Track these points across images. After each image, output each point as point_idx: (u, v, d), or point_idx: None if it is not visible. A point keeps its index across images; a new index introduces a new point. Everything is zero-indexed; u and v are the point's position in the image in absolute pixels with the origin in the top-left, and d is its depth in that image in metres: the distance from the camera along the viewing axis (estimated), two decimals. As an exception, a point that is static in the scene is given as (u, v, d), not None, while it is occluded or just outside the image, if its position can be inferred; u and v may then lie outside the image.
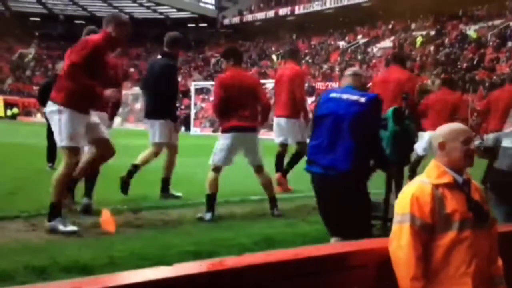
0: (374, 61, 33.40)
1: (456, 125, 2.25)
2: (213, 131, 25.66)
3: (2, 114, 38.96)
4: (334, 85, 31.51)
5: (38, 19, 54.79)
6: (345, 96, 3.14)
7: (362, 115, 3.04)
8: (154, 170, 5.88)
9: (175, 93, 5.85)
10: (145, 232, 4.13)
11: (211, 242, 3.80)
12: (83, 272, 2.96)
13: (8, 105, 40.43)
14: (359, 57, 34.91)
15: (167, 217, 4.72)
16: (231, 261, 1.84)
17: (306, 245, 3.02)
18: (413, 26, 35.45)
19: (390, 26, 36.89)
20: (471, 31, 30.41)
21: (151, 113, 5.71)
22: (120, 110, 5.87)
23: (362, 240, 2.29)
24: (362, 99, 3.07)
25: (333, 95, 3.24)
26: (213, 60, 45.46)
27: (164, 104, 5.65)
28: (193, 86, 33.58)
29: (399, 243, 2.03)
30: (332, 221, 3.20)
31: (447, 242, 2.04)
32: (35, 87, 38.72)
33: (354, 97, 3.10)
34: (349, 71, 3.48)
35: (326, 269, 1.99)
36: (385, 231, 3.19)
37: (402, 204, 2.10)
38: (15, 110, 40.29)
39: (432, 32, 32.89)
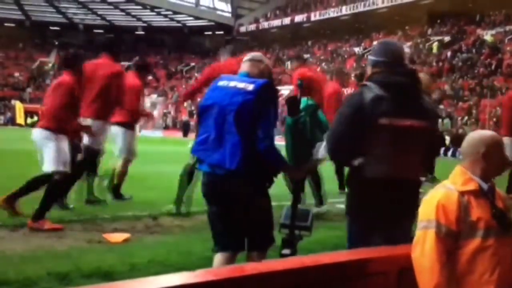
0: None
1: (493, 133, 2.22)
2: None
3: (23, 122, 39.59)
4: (350, 91, 31.42)
5: (58, 28, 55.73)
6: (232, 83, 2.73)
7: (249, 105, 2.62)
8: (172, 175, 5.93)
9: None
10: (165, 238, 4.17)
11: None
12: (104, 278, 2.99)
13: (28, 113, 41.07)
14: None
15: (186, 223, 4.76)
16: (251, 267, 1.85)
17: (326, 252, 3.01)
18: (429, 31, 35.18)
19: (406, 32, 36.66)
20: (488, 36, 30.06)
21: None
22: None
23: (383, 247, 2.28)
24: (250, 87, 2.65)
25: (220, 83, 2.80)
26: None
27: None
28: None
29: (423, 250, 2.01)
30: (220, 230, 2.80)
31: (471, 250, 2.02)
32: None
33: (242, 85, 2.69)
34: (247, 56, 2.97)
35: (347, 275, 1.99)
36: (292, 241, 2.81)
37: (427, 210, 2.08)
38: (35, 118, 40.92)
39: (449, 38, 32.61)
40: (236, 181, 2.64)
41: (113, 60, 5.51)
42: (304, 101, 3.31)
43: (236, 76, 2.84)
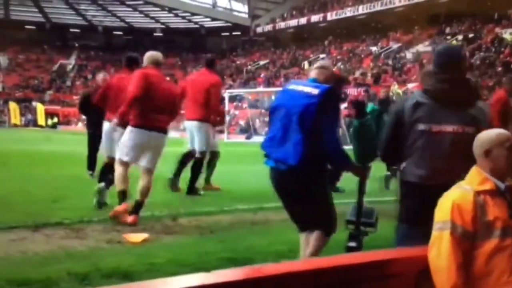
0: (408, 65, 32.91)
1: (500, 131, 2.21)
2: (246, 138, 25.75)
3: (43, 123, 40.22)
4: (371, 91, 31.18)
5: (77, 30, 56.51)
6: (300, 87, 3.03)
7: (312, 107, 2.87)
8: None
9: None
10: (183, 239, 4.20)
11: (247, 248, 3.82)
12: (124, 279, 3.03)
13: (49, 114, 41.72)
14: (391, 62, 34.48)
15: (203, 224, 4.79)
16: (270, 268, 1.86)
17: (343, 253, 3.00)
18: (447, 30, 34.75)
19: (424, 31, 36.28)
20: (507, 35, 29.57)
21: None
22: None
23: (400, 248, 2.27)
24: (315, 91, 2.92)
25: (290, 86, 3.16)
26: (247, 68, 45.75)
27: None
28: (227, 94, 33.88)
29: (439, 251, 2.01)
30: (295, 216, 3.16)
31: (488, 250, 2.01)
32: (75, 97, 39.84)
33: (308, 89, 2.97)
34: (316, 64, 3.33)
35: (364, 277, 1.98)
36: (358, 236, 3.03)
37: (442, 211, 2.07)
38: (56, 119, 41.55)
39: (467, 36, 32.17)
40: (296, 175, 2.92)
41: (214, 73, 6.75)
42: (370, 105, 3.60)
43: (305, 81, 3.16)
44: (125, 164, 4.78)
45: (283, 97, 3.08)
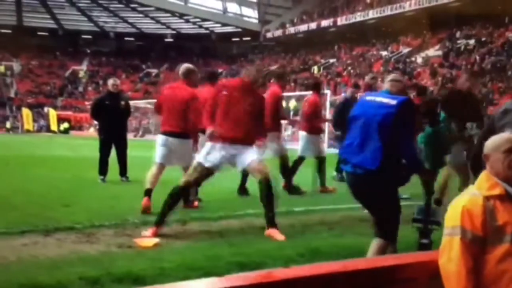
0: (418, 70, 32.77)
1: (499, 136, 2.22)
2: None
3: (56, 128, 40.59)
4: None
5: (89, 36, 57.09)
6: (378, 98, 3.30)
7: (391, 116, 3.13)
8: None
9: None
10: (193, 243, 4.20)
11: (257, 253, 3.82)
12: (135, 283, 3.03)
13: (61, 120, 42.10)
14: (401, 66, 34.34)
15: (213, 228, 4.79)
16: (280, 273, 1.86)
17: (352, 258, 2.99)
18: (458, 34, 34.56)
19: (435, 35, 36.10)
20: (518, 38, 29.38)
21: None
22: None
23: (412, 253, 2.26)
24: (393, 102, 3.18)
25: (368, 97, 3.45)
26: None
27: None
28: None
29: (449, 256, 2.00)
30: (372, 214, 3.36)
31: (499, 255, 2.00)
32: (87, 103, 40.21)
33: (386, 100, 3.22)
34: (388, 77, 3.59)
35: (375, 282, 1.97)
36: (428, 232, 3.28)
37: (452, 216, 2.06)
38: (68, 124, 41.92)
39: (478, 40, 31.96)
40: (374, 179, 3.15)
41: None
42: (442, 114, 4.11)
43: (381, 93, 3.44)
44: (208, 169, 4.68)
45: (362, 107, 3.35)
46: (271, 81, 7.50)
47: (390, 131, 3.13)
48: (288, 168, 7.29)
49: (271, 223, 4.49)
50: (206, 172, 4.59)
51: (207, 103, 4.92)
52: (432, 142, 3.97)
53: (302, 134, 7.83)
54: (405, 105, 3.19)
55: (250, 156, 4.59)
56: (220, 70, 49.93)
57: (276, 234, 4.40)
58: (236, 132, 4.55)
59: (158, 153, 5.68)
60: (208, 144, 4.60)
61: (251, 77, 4.76)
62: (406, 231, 3.47)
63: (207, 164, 4.53)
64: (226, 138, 4.54)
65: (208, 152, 4.56)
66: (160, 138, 5.73)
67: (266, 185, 4.50)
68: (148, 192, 5.44)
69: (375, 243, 3.24)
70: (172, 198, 4.49)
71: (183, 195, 4.77)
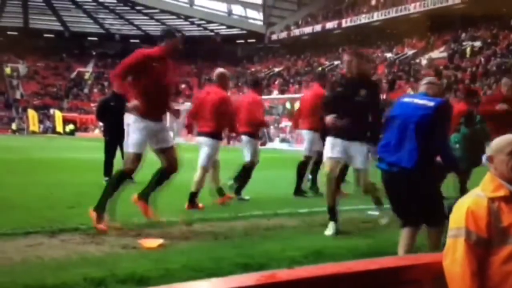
0: (423, 72, 32.70)
1: (503, 137, 2.20)
2: (261, 145, 25.77)
3: (61, 130, 40.76)
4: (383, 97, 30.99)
5: (95, 38, 57.31)
6: (415, 100, 3.47)
7: (428, 118, 3.29)
8: (206, 183, 6.01)
9: None
10: (197, 244, 4.21)
11: (261, 254, 3.82)
12: (139, 284, 3.04)
13: (66, 121, 42.29)
14: (406, 68, 34.28)
15: (218, 229, 4.79)
16: (283, 274, 1.85)
17: (357, 259, 2.98)
18: (462, 36, 34.47)
19: (439, 37, 36.02)
20: (523, 40, 29.26)
21: None
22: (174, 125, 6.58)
23: (416, 254, 2.25)
24: (430, 104, 3.35)
25: (405, 99, 3.63)
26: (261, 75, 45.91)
27: None
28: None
29: (454, 258, 1.99)
30: (401, 213, 3.51)
31: (503, 257, 1.98)
32: (92, 104, 40.34)
33: (423, 101, 3.40)
34: (424, 80, 3.78)
35: (380, 283, 1.96)
36: None
37: (456, 218, 2.05)
38: (73, 126, 42.09)
39: (482, 42, 31.88)
40: (411, 176, 3.31)
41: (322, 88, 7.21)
42: (478, 116, 4.39)
43: (418, 95, 3.63)
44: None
45: (399, 108, 3.51)
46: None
47: (427, 132, 3.28)
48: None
49: None
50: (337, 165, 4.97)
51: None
52: (468, 142, 4.20)
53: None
54: (442, 107, 3.37)
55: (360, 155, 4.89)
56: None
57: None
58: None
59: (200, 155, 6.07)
60: (331, 139, 4.93)
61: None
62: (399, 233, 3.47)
63: (334, 155, 4.84)
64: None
65: (332, 147, 4.87)
66: (196, 140, 6.29)
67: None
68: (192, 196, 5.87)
69: (432, 233, 3.38)
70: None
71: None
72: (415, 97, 3.54)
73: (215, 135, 6.03)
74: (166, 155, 4.75)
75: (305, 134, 7.36)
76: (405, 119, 3.38)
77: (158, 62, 4.71)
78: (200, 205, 5.89)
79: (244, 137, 6.83)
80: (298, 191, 7.23)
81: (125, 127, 4.75)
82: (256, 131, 7.03)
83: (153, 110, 4.67)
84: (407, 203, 3.43)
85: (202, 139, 6.05)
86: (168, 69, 4.83)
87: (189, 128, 6.67)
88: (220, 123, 6.06)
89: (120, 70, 4.75)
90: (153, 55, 4.76)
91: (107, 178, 7.92)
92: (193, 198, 5.86)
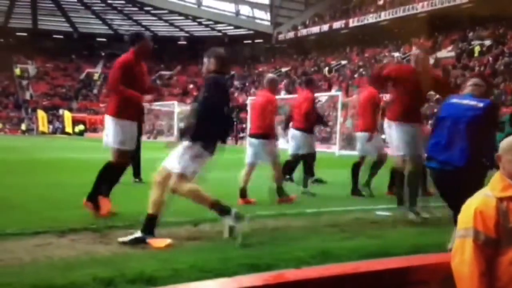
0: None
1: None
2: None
3: (70, 130, 41.00)
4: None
5: (104, 39, 57.56)
6: (465, 101, 3.63)
7: (478, 118, 3.48)
8: (214, 182, 6.01)
9: None
10: (205, 245, 4.22)
11: (269, 255, 3.82)
12: (148, 284, 3.05)
13: (76, 122, 42.52)
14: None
15: (224, 230, 4.79)
16: (291, 274, 1.87)
17: (364, 260, 2.97)
18: (470, 35, 34.22)
19: (447, 36, 35.80)
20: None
21: None
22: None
23: (424, 255, 2.25)
24: (480, 105, 3.52)
25: (454, 100, 3.78)
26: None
27: None
28: (249, 100, 34.00)
29: (462, 258, 1.98)
30: (454, 209, 3.56)
31: (511, 257, 1.97)
32: (101, 105, 40.55)
33: (473, 103, 3.57)
34: (470, 81, 3.93)
35: (386, 284, 1.97)
36: None
37: (465, 218, 2.05)
38: (83, 126, 42.33)
39: (490, 42, 31.64)
40: (462, 174, 3.47)
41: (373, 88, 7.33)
42: None
43: (465, 96, 3.78)
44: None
45: (449, 109, 3.69)
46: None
47: (477, 131, 3.46)
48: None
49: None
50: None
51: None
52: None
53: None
54: (491, 108, 3.59)
55: None
56: (232, 73, 50.07)
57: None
58: None
59: (247, 153, 6.60)
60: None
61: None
62: (407, 233, 3.45)
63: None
64: None
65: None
66: (247, 140, 6.91)
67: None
68: (242, 191, 6.37)
69: None
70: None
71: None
72: (463, 99, 3.70)
73: (263, 136, 6.54)
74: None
75: (358, 135, 7.69)
76: (455, 119, 3.57)
77: (135, 66, 5.15)
78: (252, 199, 6.32)
79: (297, 132, 7.53)
80: (355, 191, 7.38)
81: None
82: (310, 126, 7.59)
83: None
84: (459, 199, 3.60)
85: (252, 140, 6.63)
86: (144, 71, 5.30)
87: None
88: (267, 124, 6.54)
89: (115, 85, 5.16)
90: (130, 61, 5.16)
91: (137, 180, 8.11)
92: (243, 193, 6.35)
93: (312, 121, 7.68)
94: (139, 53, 5.21)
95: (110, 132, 5.25)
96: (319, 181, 8.47)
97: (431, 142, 3.75)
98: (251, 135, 6.71)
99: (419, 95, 5.34)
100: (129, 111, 5.21)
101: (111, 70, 5.26)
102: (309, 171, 7.64)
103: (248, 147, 6.68)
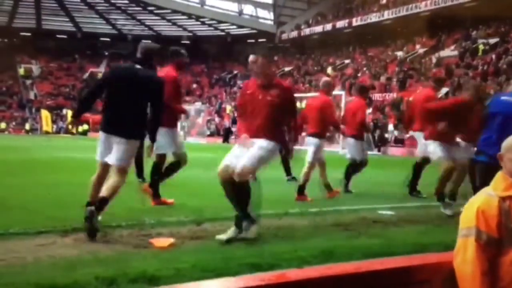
0: (434, 70, 32.44)
1: None
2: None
3: (75, 130, 41.07)
4: (393, 96, 30.79)
5: (107, 39, 57.68)
6: None
7: None
8: (215, 182, 6.00)
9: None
10: (207, 244, 4.22)
11: (271, 254, 3.82)
12: (150, 283, 3.05)
13: (80, 121, 42.55)
14: (417, 66, 34.04)
15: (228, 229, 4.79)
16: (293, 273, 1.86)
17: (366, 259, 2.97)
18: (474, 34, 34.13)
19: (450, 35, 35.71)
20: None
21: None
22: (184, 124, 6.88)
23: (426, 255, 2.24)
24: None
25: (503, 97, 4.05)
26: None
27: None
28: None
29: (464, 258, 1.98)
30: None
31: (513, 257, 1.96)
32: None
33: None
34: None
35: (389, 283, 1.96)
36: None
37: (467, 217, 2.04)
38: (86, 126, 42.40)
39: (494, 40, 31.53)
40: None
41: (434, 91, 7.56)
42: None
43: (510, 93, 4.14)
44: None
45: (499, 106, 3.95)
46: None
47: None
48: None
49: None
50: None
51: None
52: None
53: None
54: None
55: None
56: (235, 72, 50.08)
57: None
58: None
59: (308, 153, 7.02)
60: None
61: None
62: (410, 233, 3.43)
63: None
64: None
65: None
66: (306, 140, 7.25)
67: None
68: (300, 188, 6.76)
69: None
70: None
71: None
72: None
73: (320, 135, 7.00)
74: None
75: (418, 136, 7.92)
76: (505, 115, 3.81)
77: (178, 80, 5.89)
78: (309, 198, 6.67)
79: (351, 140, 7.78)
80: (413, 191, 7.60)
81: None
82: (361, 133, 7.90)
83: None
84: None
85: (309, 139, 7.04)
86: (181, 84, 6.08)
87: (300, 130, 7.60)
88: (323, 125, 7.03)
89: (170, 100, 5.40)
90: (176, 76, 5.85)
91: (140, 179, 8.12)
92: (301, 190, 6.72)
93: (365, 128, 8.11)
94: (178, 68, 5.97)
95: (164, 141, 5.70)
96: (294, 179, 8.41)
97: (482, 137, 3.97)
98: (310, 135, 7.12)
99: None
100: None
101: (159, 86, 4.80)
102: (349, 176, 7.93)
103: (308, 146, 7.08)
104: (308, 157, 6.93)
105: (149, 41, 6.43)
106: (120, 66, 6.05)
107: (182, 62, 6.03)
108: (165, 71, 5.87)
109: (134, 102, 4.49)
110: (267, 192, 6.89)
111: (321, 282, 1.82)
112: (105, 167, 4.56)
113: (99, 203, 4.29)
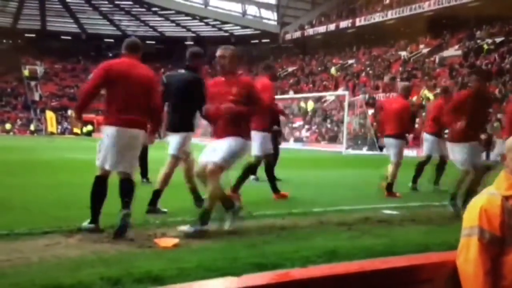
0: (438, 70, 32.35)
1: None
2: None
3: (79, 131, 41.21)
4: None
5: (111, 40, 57.80)
6: None
7: None
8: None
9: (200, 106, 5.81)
10: (211, 244, 4.23)
11: (275, 254, 3.82)
12: (155, 283, 3.06)
13: (84, 122, 42.68)
14: (421, 66, 33.95)
15: (232, 229, 4.81)
16: (297, 273, 1.87)
17: (371, 259, 2.96)
18: (477, 34, 34.02)
19: (454, 35, 35.61)
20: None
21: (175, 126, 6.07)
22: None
23: (429, 254, 2.24)
24: None
25: None
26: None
27: (188, 117, 5.94)
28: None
29: (467, 257, 1.98)
30: None
31: (516, 256, 1.96)
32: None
33: None
34: None
35: (392, 283, 1.97)
36: None
37: (470, 216, 2.04)
38: (91, 127, 42.51)
39: (497, 40, 31.42)
40: None
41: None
42: None
43: None
44: None
45: None
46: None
47: None
48: None
49: None
50: None
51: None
52: None
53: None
54: None
55: None
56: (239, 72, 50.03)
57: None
58: None
59: (390, 153, 7.56)
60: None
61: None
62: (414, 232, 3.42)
63: None
64: None
65: None
66: (384, 141, 7.91)
67: None
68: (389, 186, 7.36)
69: None
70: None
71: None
72: None
73: (399, 136, 7.47)
74: None
75: (427, 138, 8.52)
76: None
77: None
78: (398, 194, 7.23)
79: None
80: (413, 184, 8.17)
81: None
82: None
83: None
84: None
85: (389, 140, 7.53)
86: None
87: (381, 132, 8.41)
88: (402, 127, 7.49)
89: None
90: (272, 84, 6.61)
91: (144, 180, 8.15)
92: (390, 188, 7.24)
93: (442, 125, 8.09)
94: (272, 79, 6.62)
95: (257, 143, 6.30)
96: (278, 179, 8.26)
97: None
98: (387, 136, 7.60)
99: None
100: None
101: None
102: (419, 173, 8.36)
103: (389, 147, 7.59)
104: (393, 157, 7.42)
105: (196, 47, 6.76)
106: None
107: (275, 74, 6.85)
108: (261, 82, 6.45)
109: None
110: (270, 192, 6.93)
111: (324, 281, 1.82)
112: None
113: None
